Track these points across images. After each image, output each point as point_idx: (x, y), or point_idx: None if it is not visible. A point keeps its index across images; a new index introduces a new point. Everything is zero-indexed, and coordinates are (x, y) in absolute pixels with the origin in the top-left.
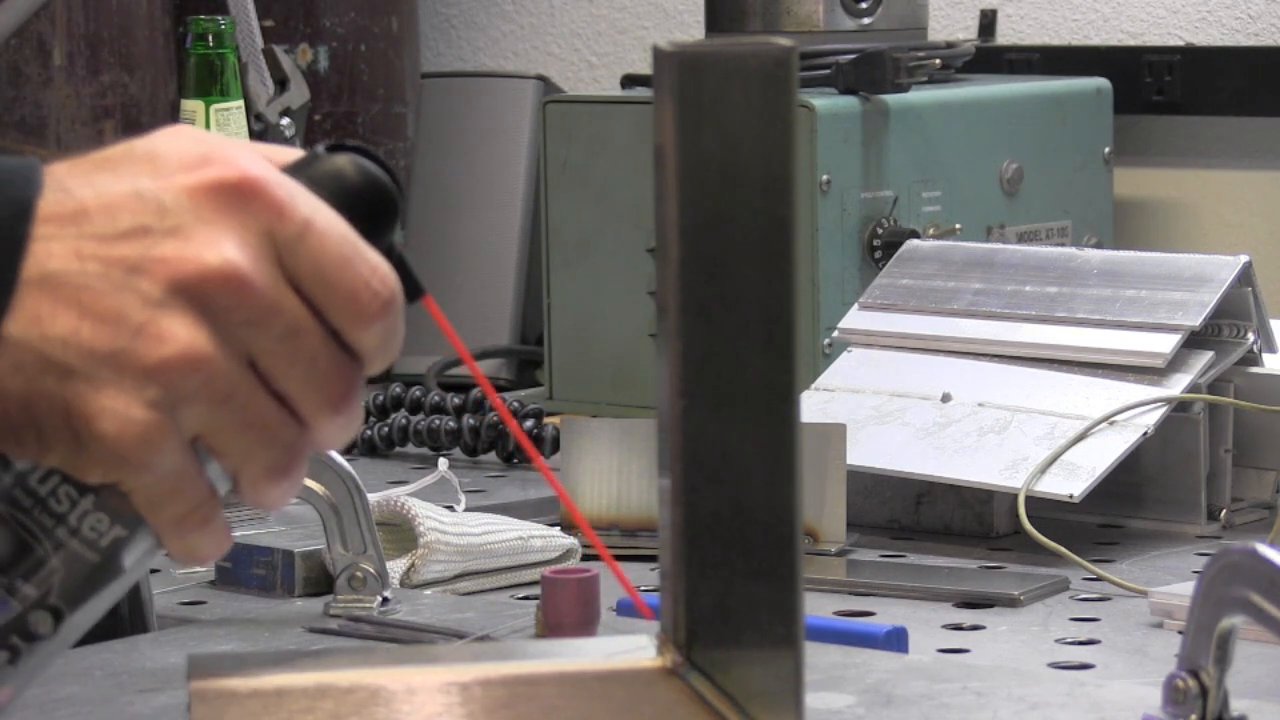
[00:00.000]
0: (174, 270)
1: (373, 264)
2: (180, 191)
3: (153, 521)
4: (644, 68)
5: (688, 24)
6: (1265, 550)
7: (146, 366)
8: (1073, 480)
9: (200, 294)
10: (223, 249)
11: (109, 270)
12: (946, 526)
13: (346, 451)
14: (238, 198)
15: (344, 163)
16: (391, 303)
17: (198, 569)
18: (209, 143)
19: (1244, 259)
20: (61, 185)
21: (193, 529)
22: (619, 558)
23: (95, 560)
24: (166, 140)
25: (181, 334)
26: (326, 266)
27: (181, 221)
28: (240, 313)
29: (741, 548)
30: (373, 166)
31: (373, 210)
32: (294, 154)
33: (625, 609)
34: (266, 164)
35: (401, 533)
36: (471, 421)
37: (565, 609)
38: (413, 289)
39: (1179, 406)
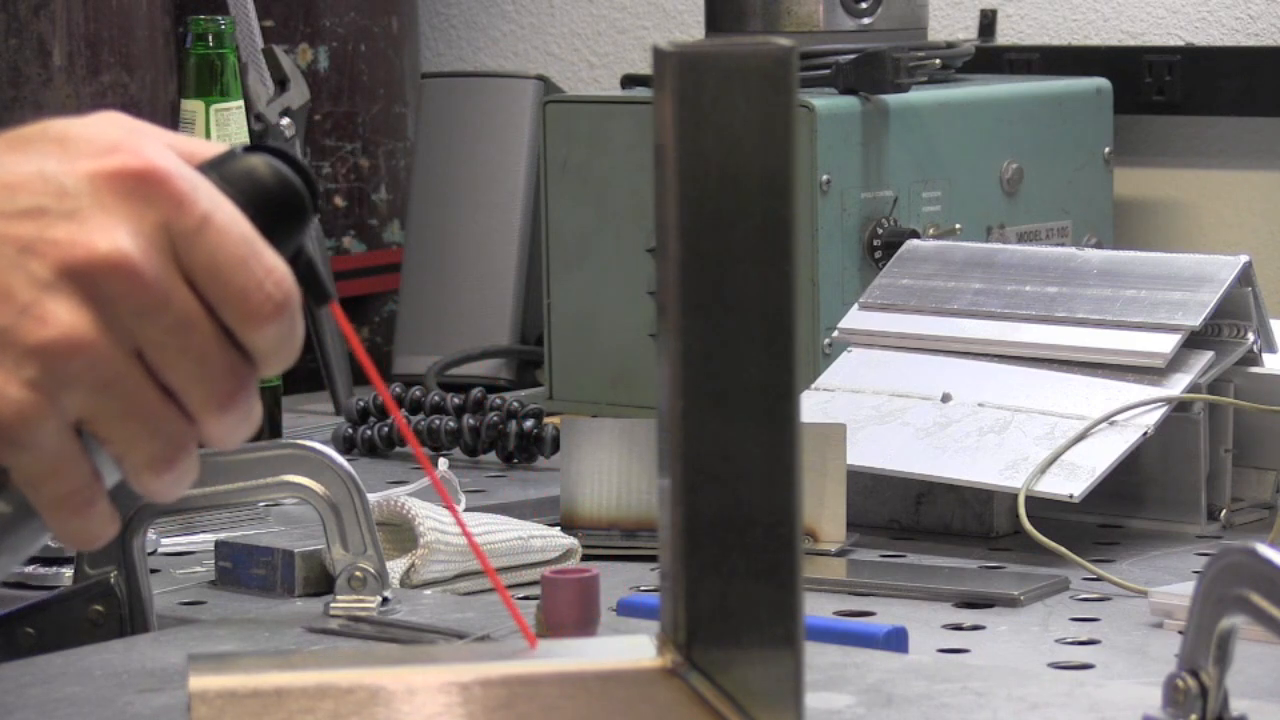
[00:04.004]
0: (65, 254)
1: (269, 266)
2: (83, 176)
3: (33, 501)
4: (644, 68)
5: (688, 24)
6: (1265, 550)
7: (27, 346)
8: (1073, 480)
9: (89, 280)
10: (116, 237)
11: (2, 248)
12: (946, 526)
13: (346, 451)
14: (139, 187)
15: (257, 162)
16: (285, 306)
17: (197, 569)
18: (124, 130)
19: (1244, 259)
20: None
21: (73, 511)
22: (619, 558)
23: None
24: (83, 125)
25: (65, 317)
26: (221, 264)
27: (79, 206)
28: (129, 302)
29: (741, 548)
30: (286, 168)
31: (281, 212)
32: (214, 149)
33: (625, 609)
34: (174, 156)
35: (401, 533)
36: (471, 421)
37: (565, 609)
38: (320, 294)
39: (1179, 406)
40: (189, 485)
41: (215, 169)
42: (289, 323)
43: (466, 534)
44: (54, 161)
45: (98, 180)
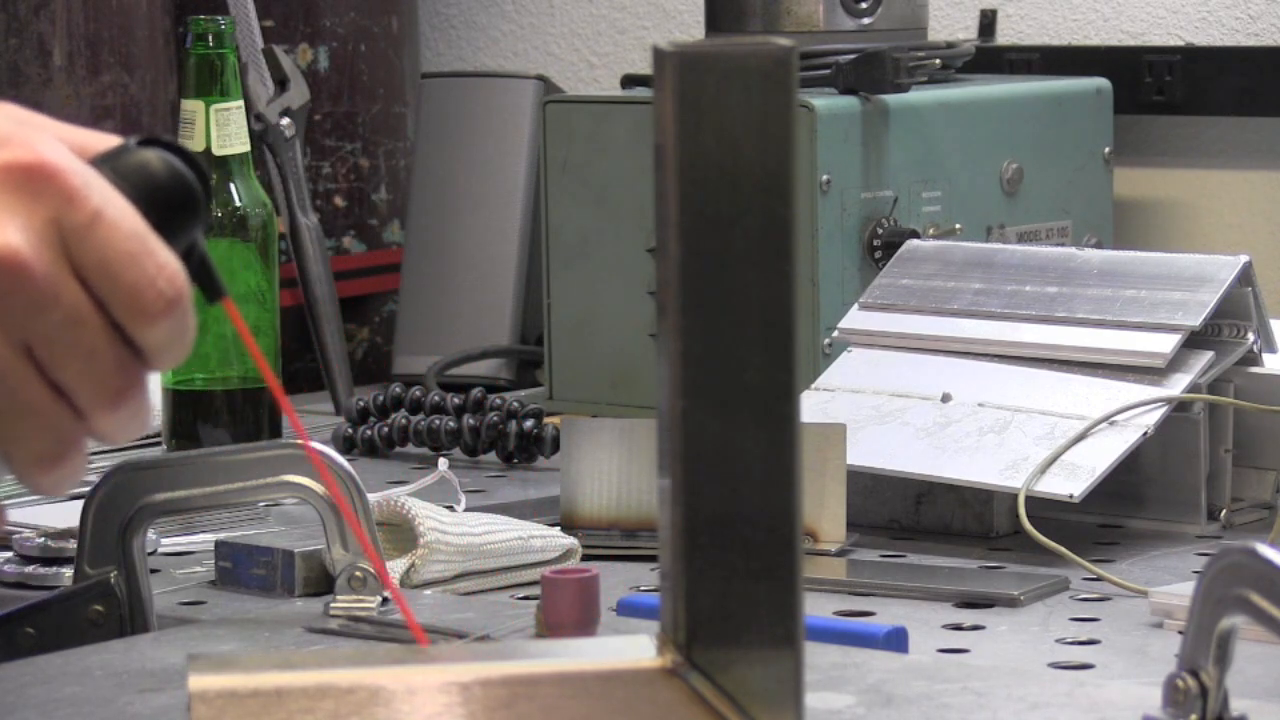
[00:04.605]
0: None
1: (161, 261)
2: None
3: None
4: (644, 68)
5: (688, 24)
6: (1265, 550)
7: None
8: (1073, 480)
9: None
10: (4, 232)
11: None
12: (946, 526)
13: (346, 451)
14: (29, 182)
15: (151, 157)
16: (177, 302)
17: (197, 569)
18: (14, 123)
19: (1244, 259)
20: None
21: None
22: (619, 558)
23: None
24: None
25: None
26: (112, 260)
27: None
28: (16, 298)
29: (741, 548)
30: (180, 163)
31: (175, 207)
32: (107, 142)
33: (625, 609)
34: (66, 150)
35: (401, 533)
36: (471, 421)
37: (565, 609)
38: (213, 290)
39: (1179, 406)
40: (78, 481)
41: (108, 163)
42: (180, 319)
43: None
44: None
45: None
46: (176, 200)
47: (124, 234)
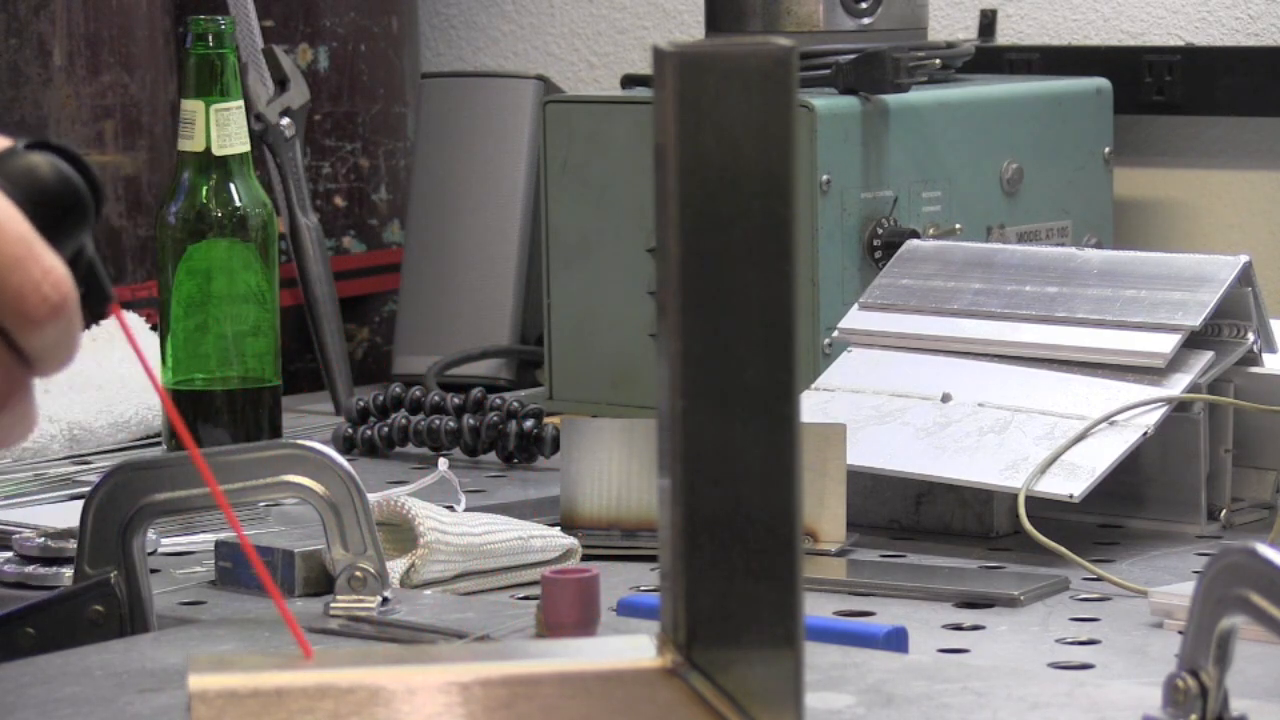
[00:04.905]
0: None
1: (46, 267)
2: None
3: None
4: (644, 68)
5: (688, 24)
6: (1265, 550)
7: None
8: (1073, 480)
9: None
10: None
11: None
12: (946, 526)
13: (346, 451)
14: None
15: (38, 161)
16: (62, 308)
17: (197, 569)
18: None
19: (1244, 259)
20: None
21: None
22: (619, 558)
23: None
24: None
25: None
26: None
27: None
28: None
29: (741, 548)
30: (68, 168)
31: (63, 212)
32: None
33: (625, 609)
34: None
35: (401, 533)
36: (471, 421)
37: (565, 609)
38: (101, 296)
39: (1179, 406)
40: None
41: None
42: (66, 324)
43: None
44: None
45: None
46: (64, 204)
47: (9, 238)
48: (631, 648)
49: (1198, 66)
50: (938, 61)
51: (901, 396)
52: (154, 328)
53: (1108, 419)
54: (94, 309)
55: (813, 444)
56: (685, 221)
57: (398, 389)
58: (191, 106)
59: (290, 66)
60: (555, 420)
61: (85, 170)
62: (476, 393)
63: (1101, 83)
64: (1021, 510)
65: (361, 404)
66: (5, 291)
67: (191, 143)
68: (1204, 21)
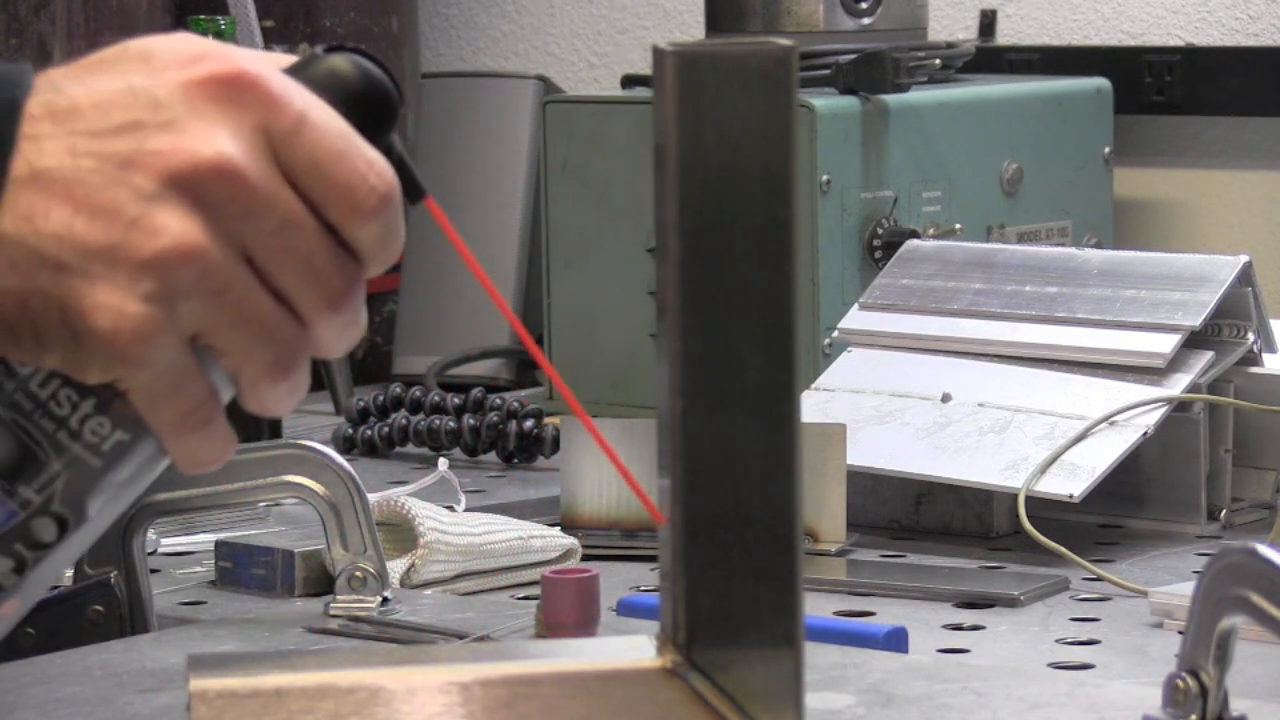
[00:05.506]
0: (167, 163)
1: (370, 158)
2: (174, 87)
3: (152, 422)
4: (644, 68)
5: (688, 24)
6: (1265, 550)
7: (141, 260)
8: (1073, 480)
9: (194, 186)
10: (216, 141)
11: (102, 165)
12: (946, 526)
13: (346, 451)
14: (232, 92)
15: (341, 62)
16: (389, 198)
17: (197, 569)
18: (205, 42)
19: (1244, 259)
20: (54, 86)
21: (192, 430)
22: (619, 558)
23: (98, 465)
24: (162, 40)
25: (175, 226)
26: (322, 160)
27: (175, 115)
28: (235, 205)
29: (741, 548)
30: (372, 66)
31: (370, 109)
32: (291, 58)
33: (625, 609)
34: (262, 61)
35: (401, 533)
36: (471, 421)
37: (565, 609)
38: (414, 191)
39: (1179, 406)
40: (302, 399)
41: (299, 73)
42: (393, 215)
43: None
44: (141, 76)
45: (190, 89)
46: (371, 102)
47: (330, 134)
48: (631, 648)
49: (1198, 66)
50: (938, 61)
51: (901, 396)
52: None
53: (1108, 419)
54: (409, 203)
55: (813, 444)
56: (685, 221)
57: (398, 389)
58: None
59: None
60: (555, 420)
61: (385, 68)
62: (476, 393)
63: (1101, 83)
64: (1021, 510)
65: (361, 404)
66: (334, 186)
67: None
68: (1204, 21)
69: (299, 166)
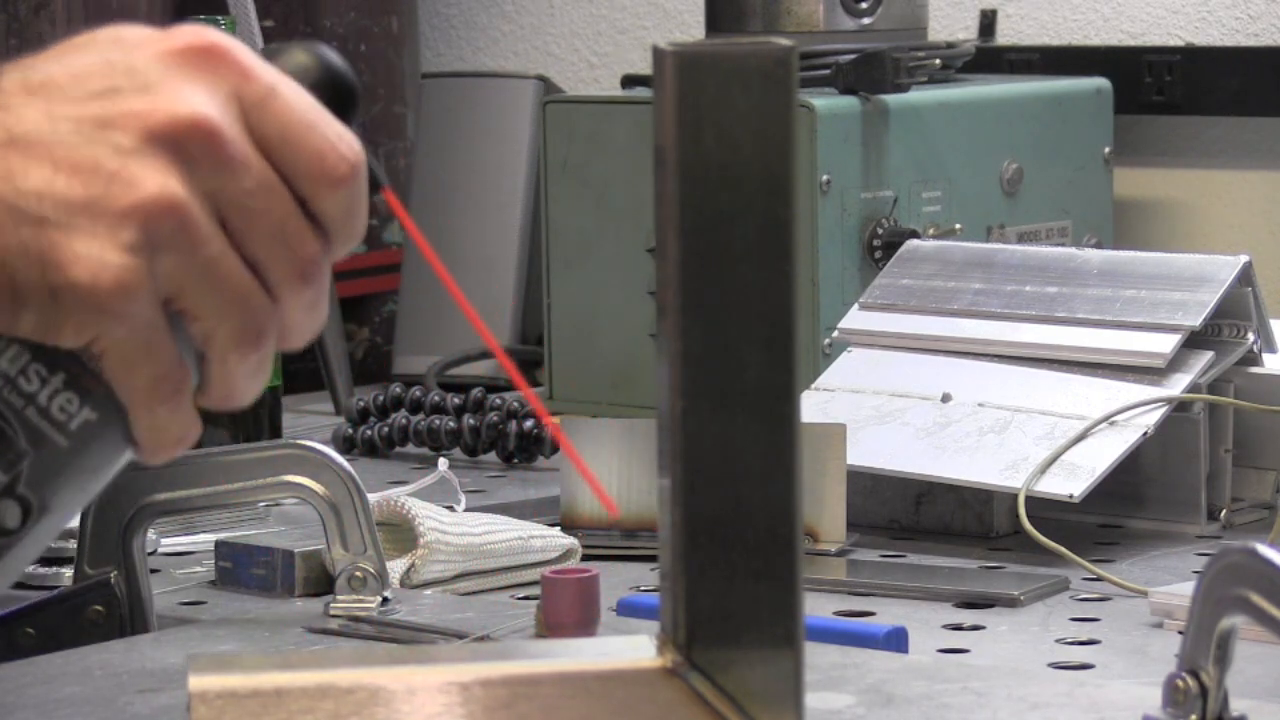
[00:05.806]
0: (145, 120)
1: (338, 130)
2: (150, 56)
3: (123, 389)
4: (644, 68)
5: (688, 24)
6: (1265, 550)
7: (121, 210)
8: (1073, 480)
9: (172, 141)
10: (193, 101)
11: (80, 127)
12: (946, 526)
13: (346, 451)
14: (207, 60)
15: (301, 53)
16: (358, 168)
17: (197, 569)
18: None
19: (1244, 259)
20: (27, 66)
21: (162, 399)
22: (619, 558)
23: (65, 445)
24: (130, 26)
25: (155, 178)
26: (293, 127)
27: (151, 80)
28: (211, 162)
29: (741, 548)
30: (332, 55)
31: (334, 96)
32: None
33: (625, 609)
34: (232, 38)
35: (401, 533)
36: (471, 421)
37: (565, 609)
38: (373, 182)
39: (1179, 406)
40: (263, 386)
41: (267, 58)
42: (360, 188)
43: None
44: (117, 52)
45: (165, 57)
46: (335, 89)
47: (301, 105)
48: (631, 648)
49: (1198, 66)
50: (938, 61)
51: (901, 396)
52: None
53: (1108, 419)
54: (370, 194)
55: (813, 444)
56: (685, 221)
57: (398, 389)
58: None
59: None
60: (555, 420)
61: (345, 63)
62: (476, 393)
63: (1101, 83)
64: (1021, 510)
65: (361, 404)
66: (304, 152)
67: None
68: (1204, 21)
69: (270, 134)
